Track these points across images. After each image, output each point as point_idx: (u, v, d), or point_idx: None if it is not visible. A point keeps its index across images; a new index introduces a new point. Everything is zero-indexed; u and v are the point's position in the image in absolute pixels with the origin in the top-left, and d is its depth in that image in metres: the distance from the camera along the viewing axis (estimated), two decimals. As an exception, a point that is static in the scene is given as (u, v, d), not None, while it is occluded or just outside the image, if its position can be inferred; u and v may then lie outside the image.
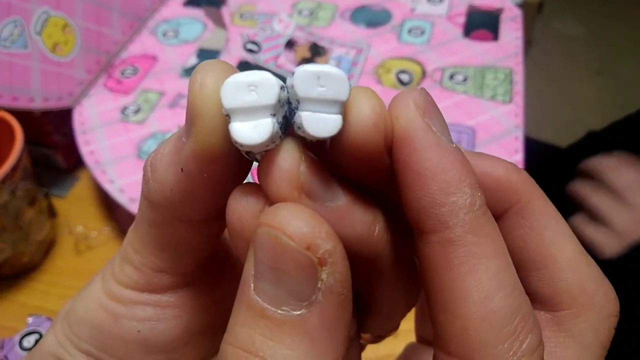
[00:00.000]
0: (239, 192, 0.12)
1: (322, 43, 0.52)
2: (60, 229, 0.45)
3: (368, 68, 0.49)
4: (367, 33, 0.53)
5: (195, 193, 0.12)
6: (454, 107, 0.45)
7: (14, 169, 0.36)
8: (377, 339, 0.16)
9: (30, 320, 0.40)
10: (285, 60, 0.50)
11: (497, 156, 0.13)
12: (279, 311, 0.10)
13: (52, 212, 0.44)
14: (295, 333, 0.10)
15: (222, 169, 0.12)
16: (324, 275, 0.10)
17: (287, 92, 0.11)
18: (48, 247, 0.44)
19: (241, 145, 0.11)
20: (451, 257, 0.11)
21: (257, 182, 0.12)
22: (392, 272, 0.13)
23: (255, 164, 0.13)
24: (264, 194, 0.12)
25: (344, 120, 0.11)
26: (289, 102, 0.11)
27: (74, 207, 0.47)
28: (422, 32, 0.52)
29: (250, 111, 0.11)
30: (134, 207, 0.39)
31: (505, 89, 0.46)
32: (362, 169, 0.12)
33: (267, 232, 0.10)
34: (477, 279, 0.11)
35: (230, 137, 0.11)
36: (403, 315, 0.15)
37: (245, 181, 0.13)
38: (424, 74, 0.48)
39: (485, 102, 0.45)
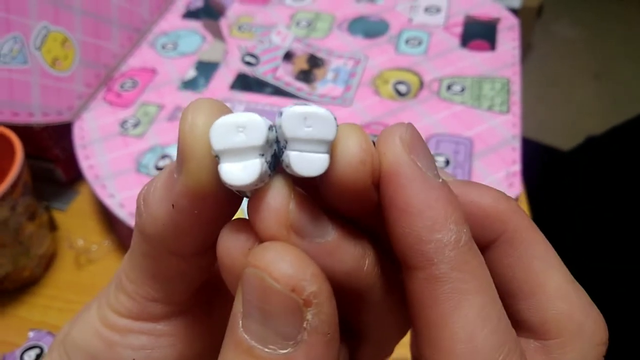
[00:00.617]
0: (229, 229, 0.12)
1: (320, 54, 0.52)
2: (60, 243, 0.45)
3: (366, 79, 0.49)
4: (365, 44, 0.53)
5: (186, 228, 0.12)
6: (452, 117, 0.45)
7: (13, 185, 0.36)
8: None
9: (31, 334, 0.40)
10: (284, 72, 0.50)
11: (485, 185, 0.14)
12: (266, 349, 0.10)
13: (52, 226, 0.44)
14: None
15: (212, 205, 0.12)
16: (309, 316, 0.10)
17: (276, 132, 0.12)
18: (49, 261, 0.44)
19: (231, 186, 0.11)
20: (437, 294, 0.11)
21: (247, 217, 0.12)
22: (383, 302, 0.13)
23: (245, 200, 0.13)
24: (253, 231, 0.12)
25: (332, 158, 0.11)
26: (277, 141, 0.12)
27: (74, 220, 0.47)
28: (420, 43, 0.53)
29: (239, 152, 0.11)
30: (133, 221, 0.39)
31: (503, 99, 0.46)
32: (350, 204, 0.12)
33: (253, 273, 0.11)
34: (462, 316, 0.11)
35: (220, 177, 0.11)
36: (396, 342, 0.15)
37: (235, 216, 0.13)
38: (421, 84, 0.48)
39: (482, 112, 0.45)
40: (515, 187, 0.39)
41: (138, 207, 0.13)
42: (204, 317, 0.16)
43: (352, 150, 0.11)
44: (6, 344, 0.40)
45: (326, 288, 0.11)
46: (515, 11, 1.30)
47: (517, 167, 0.40)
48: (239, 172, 0.11)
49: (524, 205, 0.48)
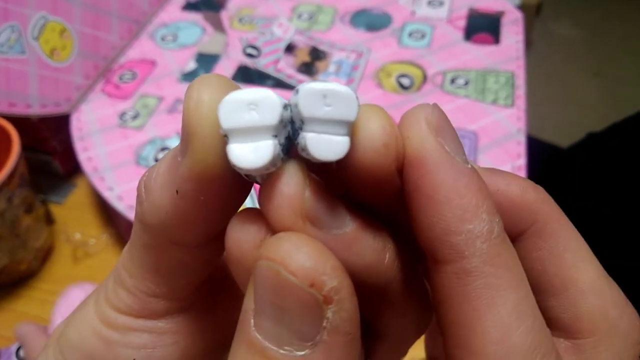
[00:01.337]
0: (239, 220, 0.11)
1: (322, 47, 0.51)
2: (58, 236, 0.45)
3: (368, 72, 0.48)
4: (368, 37, 0.52)
5: (191, 216, 0.11)
6: (456, 111, 0.44)
7: (10, 176, 0.36)
8: None
9: (27, 329, 0.39)
10: (285, 64, 0.50)
11: (511, 173, 0.13)
12: (281, 351, 0.09)
13: (49, 219, 0.43)
14: None
15: (219, 191, 0.11)
16: (329, 314, 0.09)
17: (291, 111, 0.11)
18: (46, 254, 0.43)
19: (240, 169, 0.10)
20: (468, 290, 0.10)
21: (258, 206, 0.11)
22: (403, 299, 0.12)
23: (255, 185, 0.12)
24: (265, 221, 0.11)
25: (352, 141, 0.10)
26: (292, 122, 0.11)
27: (71, 213, 0.46)
28: (423, 36, 0.52)
29: (249, 132, 0.10)
30: (132, 215, 0.38)
31: (507, 93, 0.45)
32: (371, 191, 0.11)
33: (267, 266, 0.10)
34: (495, 313, 0.10)
35: (228, 159, 0.10)
36: (413, 341, 0.14)
37: (245, 205, 0.12)
38: (424, 77, 0.48)
39: (486, 106, 0.44)
40: (520, 181, 0.38)
41: (139, 195, 0.12)
42: (207, 313, 0.15)
43: (375, 132, 0.10)
44: (3, 338, 0.39)
45: (348, 283, 0.10)
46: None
47: (522, 161, 0.40)
48: (249, 153, 0.10)
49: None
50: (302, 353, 0.09)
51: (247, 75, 0.49)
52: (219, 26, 0.55)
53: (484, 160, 0.40)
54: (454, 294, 0.10)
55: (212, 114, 0.10)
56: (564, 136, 1.32)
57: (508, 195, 0.12)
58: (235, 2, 0.58)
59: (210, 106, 0.10)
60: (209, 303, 0.15)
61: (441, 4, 0.56)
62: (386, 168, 0.10)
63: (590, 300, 0.12)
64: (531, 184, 0.13)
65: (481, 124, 0.43)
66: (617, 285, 0.12)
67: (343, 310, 0.10)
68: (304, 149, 0.10)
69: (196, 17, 0.57)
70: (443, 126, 0.11)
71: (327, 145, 0.10)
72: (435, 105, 0.11)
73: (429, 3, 0.56)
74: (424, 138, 0.11)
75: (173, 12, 0.57)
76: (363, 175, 0.11)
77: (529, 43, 1.60)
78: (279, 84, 0.48)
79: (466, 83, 0.47)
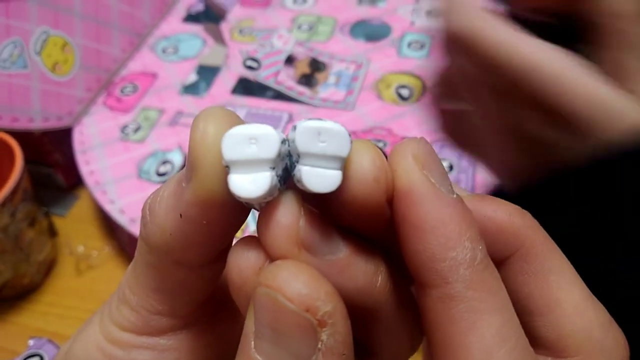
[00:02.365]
0: (239, 247, 0.12)
1: (321, 58, 0.52)
2: (60, 249, 0.45)
3: (368, 83, 0.49)
4: (367, 47, 0.53)
5: (194, 238, 0.12)
6: (455, 122, 0.44)
7: (13, 192, 0.36)
8: None
9: (31, 342, 0.40)
10: (286, 76, 0.50)
11: (500, 199, 0.13)
12: None
13: (52, 232, 0.44)
14: None
15: (221, 215, 0.12)
16: (324, 337, 0.10)
17: (288, 145, 0.11)
18: (49, 267, 0.43)
19: (239, 197, 0.11)
20: (452, 313, 0.11)
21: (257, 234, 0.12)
22: (395, 318, 0.13)
23: (253, 212, 0.13)
24: (264, 248, 0.12)
25: (345, 174, 0.11)
26: (289, 155, 0.11)
27: (74, 226, 0.46)
28: (422, 46, 0.52)
29: (250, 164, 0.11)
30: (134, 228, 0.38)
31: (506, 103, 0.46)
32: (363, 220, 0.12)
33: (266, 293, 0.10)
34: (478, 335, 0.10)
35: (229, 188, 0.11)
36: (407, 358, 0.15)
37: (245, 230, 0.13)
38: (424, 88, 0.48)
39: (486, 116, 0.45)
40: (519, 193, 0.39)
41: (143, 217, 0.13)
42: (208, 331, 0.15)
43: (366, 167, 0.11)
44: (6, 351, 0.39)
45: (341, 307, 0.11)
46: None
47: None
48: (249, 184, 0.11)
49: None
50: None
51: (248, 88, 0.49)
52: (219, 38, 0.55)
53: (483, 171, 0.40)
54: (440, 317, 0.11)
55: (216, 146, 0.11)
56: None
57: (495, 221, 0.13)
58: (235, 14, 0.59)
59: (215, 138, 0.11)
60: (211, 321, 0.15)
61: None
62: (376, 200, 0.11)
63: (575, 320, 0.12)
64: (518, 209, 0.13)
65: (480, 135, 0.43)
66: (602, 307, 0.13)
67: (337, 333, 0.10)
68: (299, 180, 0.11)
69: (197, 29, 0.57)
70: (429, 159, 0.12)
71: (320, 179, 0.11)
72: (422, 139, 0.12)
73: (429, 13, 0.56)
74: (410, 171, 0.11)
75: (174, 24, 0.58)
76: (355, 206, 0.11)
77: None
78: (279, 95, 0.48)
79: (465, 93, 0.47)
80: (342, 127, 0.11)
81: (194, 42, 0.55)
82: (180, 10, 0.60)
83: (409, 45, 0.53)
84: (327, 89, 0.48)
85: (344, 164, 0.11)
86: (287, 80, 0.50)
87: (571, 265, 0.13)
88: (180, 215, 0.12)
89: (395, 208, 0.12)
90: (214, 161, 0.11)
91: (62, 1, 0.46)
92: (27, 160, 0.39)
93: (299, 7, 0.59)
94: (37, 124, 0.44)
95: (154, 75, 0.52)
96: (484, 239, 0.12)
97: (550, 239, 0.13)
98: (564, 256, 0.13)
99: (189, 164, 0.11)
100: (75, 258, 0.44)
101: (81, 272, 0.43)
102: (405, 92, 0.48)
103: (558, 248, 0.13)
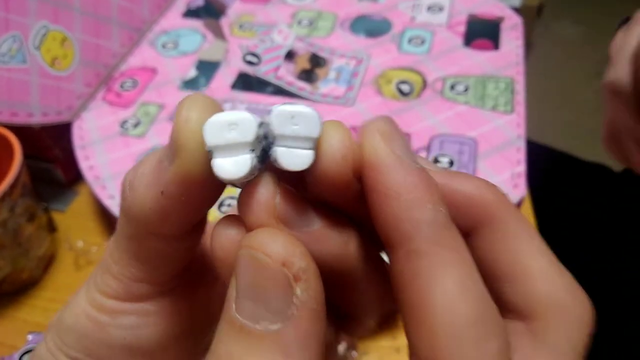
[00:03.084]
0: (222, 225, 0.13)
1: (322, 54, 0.52)
2: (60, 244, 0.45)
3: (368, 78, 0.49)
4: (367, 43, 0.53)
5: (172, 212, 0.13)
6: (456, 117, 0.44)
7: (12, 186, 0.36)
8: (356, 340, 0.17)
9: (30, 337, 0.40)
10: (286, 71, 0.50)
11: (469, 174, 0.14)
12: (257, 326, 0.11)
13: (52, 227, 0.43)
14: (271, 345, 0.11)
15: (199, 192, 0.13)
16: (298, 291, 0.11)
17: (265, 129, 0.12)
18: (48, 262, 0.43)
19: (223, 179, 0.12)
20: (416, 268, 0.11)
21: (237, 213, 0.13)
22: (367, 283, 0.14)
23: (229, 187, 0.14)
24: (243, 225, 0.13)
25: (317, 153, 0.12)
26: (266, 137, 0.12)
27: (74, 221, 0.46)
28: (423, 42, 0.52)
29: (231, 148, 0.12)
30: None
31: (507, 99, 0.46)
32: (335, 194, 0.13)
33: (247, 253, 0.12)
34: (441, 287, 0.11)
35: (211, 169, 0.12)
36: (378, 318, 0.16)
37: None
38: (424, 84, 0.48)
39: (486, 112, 0.45)
40: (520, 188, 0.39)
41: (124, 191, 0.14)
42: (187, 296, 0.17)
43: (335, 146, 0.12)
44: (5, 346, 0.39)
45: (313, 266, 0.12)
46: (515, 10, 1.30)
47: (521, 168, 0.40)
48: (231, 166, 0.12)
49: (527, 206, 0.47)
50: (275, 327, 0.11)
51: (248, 83, 0.49)
52: (219, 33, 0.55)
53: (484, 167, 0.40)
54: (406, 275, 0.12)
55: (198, 131, 0.12)
56: (564, 137, 1.32)
57: (464, 193, 0.14)
58: (235, 9, 0.58)
59: (197, 124, 0.12)
60: (190, 288, 0.17)
61: (441, 9, 0.56)
62: (346, 175, 0.12)
63: (542, 285, 0.13)
64: (486, 182, 0.14)
65: (481, 130, 0.43)
66: (568, 273, 0.13)
67: (310, 288, 0.12)
68: (275, 160, 0.12)
69: (196, 24, 0.57)
70: (393, 135, 0.13)
71: (294, 158, 0.12)
72: (386, 117, 0.13)
73: (429, 9, 0.56)
74: (377, 145, 0.12)
75: (173, 19, 0.58)
76: (327, 182, 0.13)
77: (529, 44, 1.60)
78: (279, 91, 0.48)
79: (466, 89, 0.47)
80: (313, 110, 0.12)
81: (194, 37, 0.55)
82: (180, 5, 0.59)
83: (410, 40, 0.52)
84: (328, 85, 0.48)
85: (316, 144, 0.12)
86: (287, 75, 0.50)
87: (538, 234, 0.14)
88: (162, 192, 0.13)
89: (365, 179, 0.13)
90: (196, 145, 0.12)
91: (62, -5, 0.46)
92: (27, 155, 0.39)
93: (299, 2, 0.59)
94: (37, 119, 0.44)
95: (153, 71, 0.51)
96: (455, 209, 0.13)
97: (517, 210, 0.14)
98: (531, 225, 0.14)
99: (173, 146, 0.12)
100: (74, 253, 0.44)
101: (80, 267, 0.43)
102: (405, 88, 0.47)
103: (525, 218, 0.14)
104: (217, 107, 0.13)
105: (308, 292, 0.11)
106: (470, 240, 0.13)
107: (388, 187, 0.12)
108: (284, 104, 0.12)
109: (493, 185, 0.14)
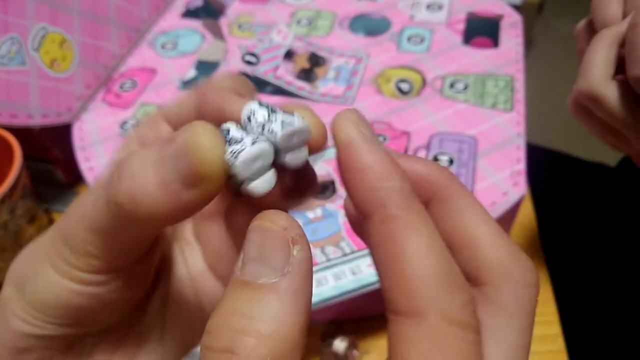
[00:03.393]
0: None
1: (321, 53, 0.52)
2: (61, 246, 0.45)
3: (367, 77, 0.48)
4: (367, 42, 0.53)
5: (178, 215, 0.14)
6: (455, 116, 0.44)
7: (12, 188, 0.36)
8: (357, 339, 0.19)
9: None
10: (284, 71, 0.50)
11: (421, 157, 0.16)
12: (259, 281, 0.13)
13: (52, 229, 0.44)
14: (269, 294, 0.13)
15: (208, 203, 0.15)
16: (294, 252, 0.13)
17: (274, 142, 0.15)
18: (49, 264, 0.43)
19: (257, 196, 0.14)
20: (390, 231, 0.13)
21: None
22: None
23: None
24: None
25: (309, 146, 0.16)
26: (276, 152, 0.15)
27: (74, 222, 0.46)
28: (422, 40, 0.52)
29: (258, 172, 0.14)
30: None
31: (506, 97, 0.45)
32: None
33: (258, 224, 0.14)
34: (413, 246, 0.13)
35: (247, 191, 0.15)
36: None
37: None
38: (424, 82, 0.48)
39: (486, 110, 0.45)
40: (519, 186, 0.38)
41: (117, 177, 0.14)
42: (139, 268, 0.17)
43: (319, 127, 0.16)
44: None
45: (306, 236, 0.14)
46: (516, 7, 1.29)
47: (521, 166, 0.40)
48: (262, 185, 0.15)
49: (528, 207, 0.47)
50: (274, 280, 0.13)
51: (247, 83, 0.49)
52: (218, 33, 0.55)
53: (483, 165, 0.40)
54: (381, 237, 0.13)
55: (221, 164, 0.14)
56: (565, 135, 1.31)
57: (417, 172, 0.16)
58: (234, 9, 0.58)
59: (219, 156, 0.13)
60: (142, 261, 0.18)
61: (440, 7, 0.56)
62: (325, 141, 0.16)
63: (489, 252, 0.14)
64: (435, 164, 0.16)
65: (480, 128, 0.43)
66: (512, 240, 0.15)
67: (303, 250, 0.13)
68: (250, 191, 0.15)
69: (195, 24, 0.57)
70: (361, 122, 0.15)
71: (263, 184, 0.15)
72: (354, 110, 0.15)
73: (428, 7, 0.56)
74: (348, 129, 0.14)
75: (172, 20, 0.58)
76: (319, 148, 0.16)
77: (530, 41, 1.60)
78: (279, 90, 0.48)
79: (465, 87, 0.47)
80: (304, 121, 0.15)
81: (193, 38, 0.55)
82: (179, 6, 0.59)
83: (409, 39, 0.52)
84: (327, 84, 0.48)
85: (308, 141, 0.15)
86: (286, 75, 0.50)
87: (484, 207, 0.15)
88: (178, 205, 0.14)
89: (340, 160, 0.14)
90: (221, 176, 0.14)
91: (60, -3, 0.46)
92: (27, 157, 0.39)
93: (298, 2, 0.59)
94: (36, 121, 0.44)
95: (153, 71, 0.51)
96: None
97: (465, 186, 0.16)
98: (477, 200, 0.15)
99: (194, 174, 0.13)
100: (75, 254, 0.44)
101: (81, 268, 0.43)
102: (405, 86, 0.47)
103: (471, 193, 0.15)
104: (216, 132, 0.14)
105: (301, 253, 0.13)
106: None
107: (360, 161, 0.14)
108: (283, 123, 0.15)
109: (443, 166, 0.16)
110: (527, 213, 0.47)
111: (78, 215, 0.15)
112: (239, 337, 0.12)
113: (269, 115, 0.15)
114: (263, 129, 0.15)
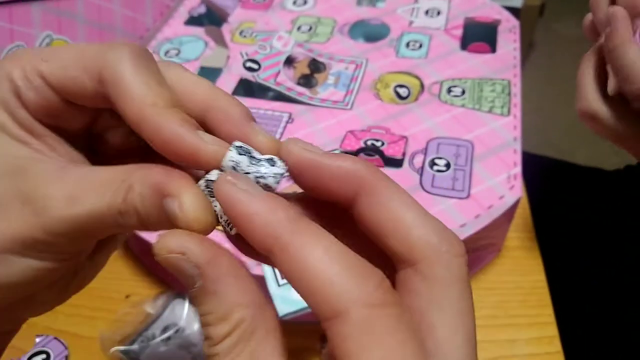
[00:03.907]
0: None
1: (321, 59, 0.52)
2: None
3: (366, 83, 0.49)
4: (366, 48, 0.53)
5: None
6: (452, 120, 0.45)
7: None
8: None
9: (37, 340, 0.41)
10: (285, 77, 0.51)
11: (348, 155, 0.17)
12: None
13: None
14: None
15: None
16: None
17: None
18: (55, 267, 0.44)
19: None
20: (290, 256, 0.14)
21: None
22: None
23: None
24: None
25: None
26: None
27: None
28: (420, 46, 0.53)
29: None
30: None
31: (504, 102, 0.46)
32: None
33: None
34: (312, 259, 0.14)
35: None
36: None
37: None
38: (422, 87, 0.48)
39: (483, 115, 0.45)
40: (516, 190, 0.39)
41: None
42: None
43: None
44: (13, 349, 0.40)
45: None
46: (517, 10, 1.30)
47: (518, 170, 0.40)
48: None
49: (526, 213, 0.48)
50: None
51: (249, 89, 0.50)
52: (220, 40, 0.56)
53: (480, 169, 0.41)
54: (285, 264, 0.14)
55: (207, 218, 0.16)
56: (565, 137, 1.32)
57: (343, 168, 0.17)
58: (236, 16, 0.59)
59: (206, 214, 0.16)
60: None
61: (439, 13, 0.57)
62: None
63: (416, 232, 0.16)
64: (362, 160, 0.17)
65: (477, 133, 0.44)
66: (437, 219, 0.16)
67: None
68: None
69: (199, 31, 0.58)
70: (307, 145, 0.17)
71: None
72: (295, 138, 0.17)
73: (427, 13, 0.57)
74: (230, 190, 0.15)
75: (176, 27, 0.59)
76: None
77: (531, 44, 1.60)
78: (280, 96, 0.49)
79: (463, 92, 0.47)
80: (283, 167, 0.17)
81: (196, 45, 0.56)
82: (182, 13, 0.60)
83: (407, 45, 0.53)
84: (327, 89, 0.49)
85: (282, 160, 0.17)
86: (286, 81, 0.50)
87: (408, 193, 0.16)
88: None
89: (229, 215, 0.15)
90: (209, 224, 0.16)
91: (66, 6, 0.47)
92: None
93: (298, 8, 0.60)
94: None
95: (156, 78, 0.52)
96: (336, 182, 0.16)
97: (388, 177, 0.17)
98: (401, 187, 0.17)
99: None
100: (80, 258, 0.45)
101: (86, 271, 0.44)
102: (403, 92, 0.48)
103: (395, 182, 0.17)
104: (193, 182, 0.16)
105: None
106: (355, 208, 0.16)
107: (247, 213, 0.15)
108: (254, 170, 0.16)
109: (367, 162, 0.17)
110: (525, 221, 0.48)
111: None
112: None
113: (250, 163, 0.16)
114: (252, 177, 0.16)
